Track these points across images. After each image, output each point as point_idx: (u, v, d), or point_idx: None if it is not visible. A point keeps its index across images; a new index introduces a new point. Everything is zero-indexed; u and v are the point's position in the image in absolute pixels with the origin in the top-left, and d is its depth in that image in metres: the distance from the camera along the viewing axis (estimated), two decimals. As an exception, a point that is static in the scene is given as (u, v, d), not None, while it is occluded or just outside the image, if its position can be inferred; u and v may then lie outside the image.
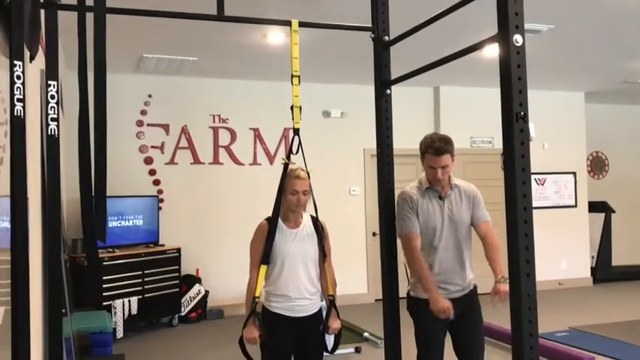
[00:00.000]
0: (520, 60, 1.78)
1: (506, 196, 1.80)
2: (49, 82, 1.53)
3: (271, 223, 3.02)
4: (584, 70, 7.76)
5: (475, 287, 3.25)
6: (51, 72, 1.54)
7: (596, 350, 5.33)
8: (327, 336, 3.10)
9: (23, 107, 1.43)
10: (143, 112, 7.36)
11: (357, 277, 8.12)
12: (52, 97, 1.52)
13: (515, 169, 1.76)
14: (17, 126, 1.43)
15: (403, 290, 3.25)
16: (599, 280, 9.31)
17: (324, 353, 3.14)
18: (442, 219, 3.15)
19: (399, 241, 2.78)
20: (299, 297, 3.03)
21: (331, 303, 3.08)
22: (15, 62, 1.41)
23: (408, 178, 6.78)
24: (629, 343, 5.69)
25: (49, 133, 1.52)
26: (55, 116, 1.53)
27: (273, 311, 3.04)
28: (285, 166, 2.98)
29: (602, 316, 6.88)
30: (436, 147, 3.06)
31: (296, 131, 2.88)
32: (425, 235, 3.14)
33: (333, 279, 3.13)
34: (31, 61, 1.86)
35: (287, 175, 3.00)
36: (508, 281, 1.82)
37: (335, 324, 3.07)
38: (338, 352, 3.53)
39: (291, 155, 2.96)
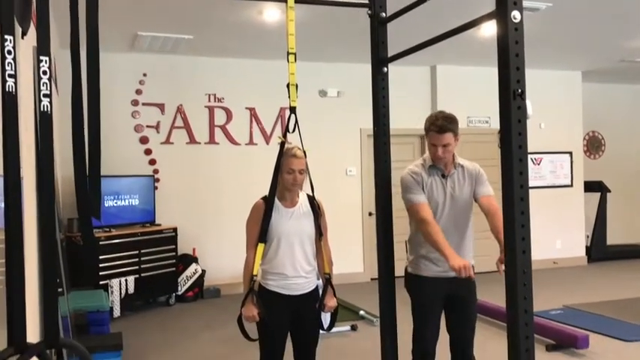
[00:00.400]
0: (518, 36, 1.77)
1: (503, 173, 1.79)
2: (41, 57, 1.50)
3: (268, 202, 3.02)
4: (581, 48, 7.72)
5: (472, 267, 3.25)
6: (43, 47, 1.51)
7: (590, 328, 5.39)
8: (323, 314, 3.12)
9: (15, 83, 1.41)
10: (138, 92, 7.31)
11: (353, 257, 8.16)
12: (45, 72, 1.49)
13: (512, 147, 1.75)
14: (9, 102, 1.40)
15: (399, 269, 3.27)
16: (594, 260, 9.38)
17: (321, 331, 3.17)
18: (444, 197, 3.15)
19: (395, 221, 2.77)
20: (295, 275, 3.04)
21: (327, 281, 3.10)
22: (5, 37, 1.38)
23: (405, 158, 6.78)
24: (623, 320, 5.75)
25: (42, 109, 1.49)
26: (48, 92, 1.50)
27: (269, 289, 3.05)
28: (282, 144, 2.97)
29: (597, 295, 6.94)
30: (439, 125, 3.07)
31: (292, 109, 2.86)
32: None
33: (330, 257, 3.14)
34: (23, 37, 1.83)
35: (283, 154, 2.99)
36: None
37: (331, 302, 3.09)
38: (334, 330, 3.56)
39: (288, 134, 2.95)
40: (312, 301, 3.10)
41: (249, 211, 3.11)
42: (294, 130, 2.89)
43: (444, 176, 3.18)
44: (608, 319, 5.84)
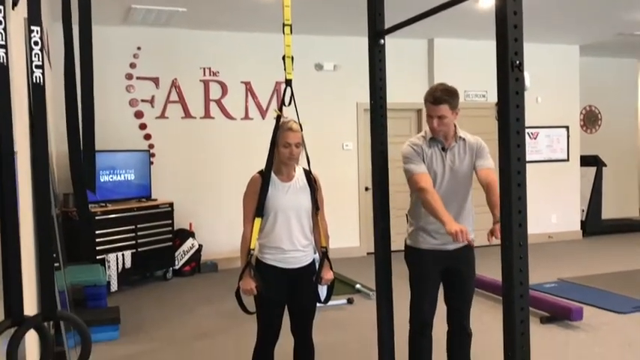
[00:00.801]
0: (517, 7, 1.74)
1: (500, 145, 1.78)
2: (32, 27, 1.48)
3: (264, 176, 3.01)
4: (579, 22, 7.66)
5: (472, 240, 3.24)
6: (33, 16, 1.48)
7: (584, 300, 5.44)
8: (320, 286, 3.14)
9: (6, 54, 1.38)
10: (132, 65, 7.23)
11: (349, 231, 8.19)
12: (36, 43, 1.46)
13: (509, 119, 1.74)
14: (0, 73, 1.38)
15: (399, 242, 3.28)
16: (589, 234, 9.44)
17: (317, 304, 3.19)
18: (443, 169, 3.15)
19: (394, 195, 2.76)
20: (292, 249, 3.05)
21: (324, 254, 3.11)
22: (-5, 7, 1.36)
23: (401, 132, 6.76)
24: (616, 293, 5.80)
25: (34, 81, 1.47)
26: (40, 63, 1.48)
27: (266, 263, 3.06)
28: (278, 118, 2.95)
29: (591, 268, 7.00)
30: (436, 96, 3.06)
31: (288, 82, 2.84)
32: None
33: (326, 231, 3.15)
34: (13, 8, 1.80)
35: (279, 128, 2.97)
36: None
37: (328, 275, 3.11)
38: (331, 303, 3.59)
39: (284, 108, 2.93)
40: (309, 274, 3.12)
41: (246, 186, 3.11)
42: (289, 104, 2.87)
43: (444, 149, 3.17)
44: (602, 291, 5.90)
